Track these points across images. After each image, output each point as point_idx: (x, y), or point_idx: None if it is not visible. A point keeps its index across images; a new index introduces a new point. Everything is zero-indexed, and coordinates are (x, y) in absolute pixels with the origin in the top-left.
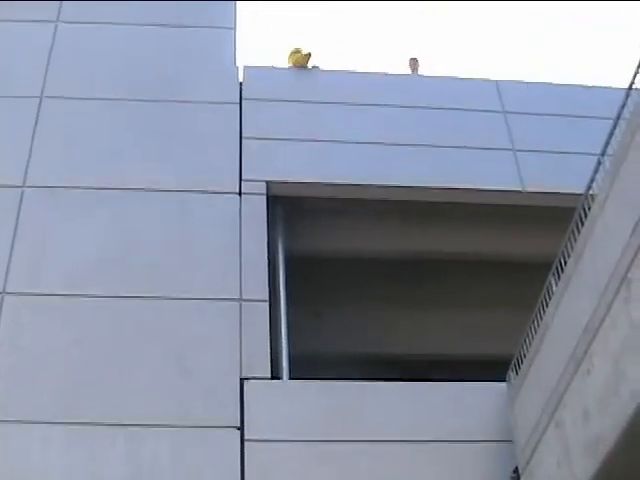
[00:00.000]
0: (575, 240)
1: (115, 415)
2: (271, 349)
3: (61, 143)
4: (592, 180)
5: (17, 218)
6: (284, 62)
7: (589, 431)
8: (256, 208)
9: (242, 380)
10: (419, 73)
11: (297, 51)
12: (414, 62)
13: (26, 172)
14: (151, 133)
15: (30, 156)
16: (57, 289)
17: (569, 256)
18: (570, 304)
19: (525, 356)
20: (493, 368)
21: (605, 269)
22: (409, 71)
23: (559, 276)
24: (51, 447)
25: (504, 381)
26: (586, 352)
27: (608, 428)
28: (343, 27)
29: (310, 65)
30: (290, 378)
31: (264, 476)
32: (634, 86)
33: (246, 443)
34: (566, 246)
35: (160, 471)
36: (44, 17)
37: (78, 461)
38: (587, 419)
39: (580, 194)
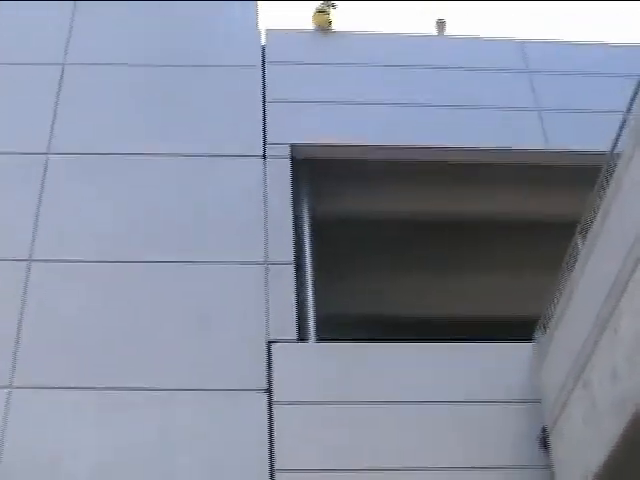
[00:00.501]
0: (601, 199)
1: (143, 379)
2: (297, 311)
3: (85, 110)
4: (617, 138)
5: (42, 185)
6: (307, 25)
7: (617, 390)
8: (281, 171)
9: (269, 343)
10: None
11: (321, 10)
12: (441, 24)
13: (50, 139)
14: (175, 98)
15: (53, 123)
16: (83, 255)
17: (595, 215)
18: (597, 263)
19: (552, 316)
20: (521, 330)
21: (632, 227)
22: (435, 32)
23: (585, 235)
24: (81, 413)
25: (531, 341)
26: (613, 311)
27: (636, 387)
28: None
29: (333, 25)
30: (317, 340)
31: (293, 437)
32: None
33: (274, 405)
34: (592, 205)
35: (189, 434)
36: None
37: (109, 425)
38: (615, 378)
39: (605, 152)
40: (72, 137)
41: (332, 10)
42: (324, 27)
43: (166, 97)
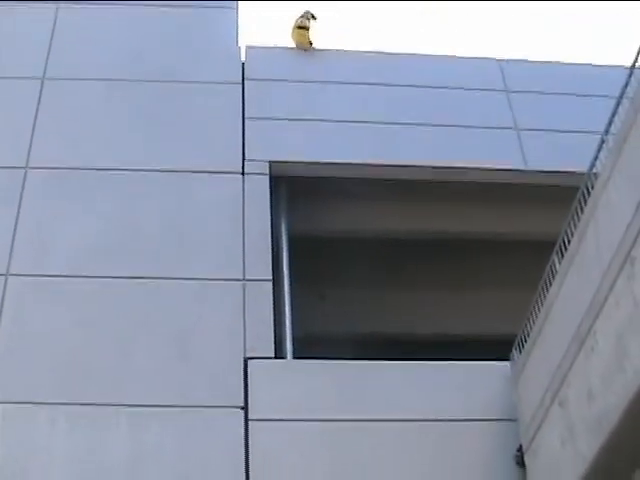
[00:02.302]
0: (578, 219)
1: (118, 396)
2: (275, 329)
3: (63, 125)
4: (595, 159)
5: (20, 200)
6: (286, 42)
7: (593, 409)
8: (259, 188)
9: (246, 360)
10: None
11: (301, 26)
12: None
13: (29, 153)
14: (153, 114)
15: (32, 138)
16: (60, 270)
17: (572, 235)
18: (574, 283)
19: (529, 335)
20: (497, 348)
21: (608, 247)
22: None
23: (562, 255)
24: (54, 429)
25: (508, 360)
26: (590, 330)
27: (612, 406)
28: (345, 7)
29: (313, 44)
30: (294, 358)
31: (268, 455)
32: (637, 64)
33: (250, 423)
34: (569, 225)
35: (164, 452)
36: None
37: (81, 443)
38: (591, 397)
39: (583, 173)
40: (51, 151)
41: (312, 22)
42: (304, 47)
43: (145, 113)
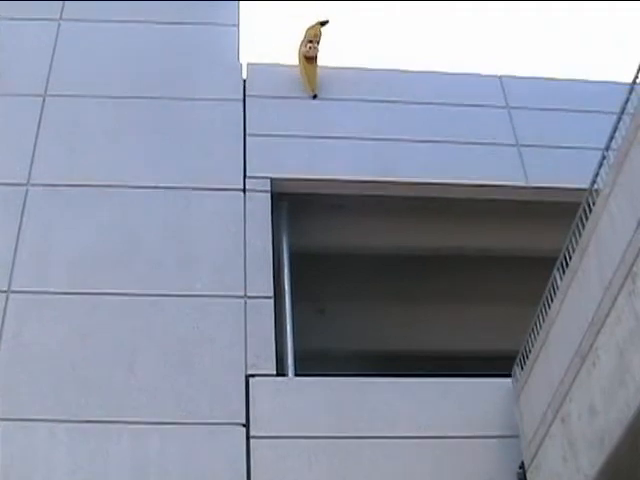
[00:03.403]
0: (580, 235)
1: (119, 413)
2: (276, 346)
3: (64, 141)
4: (596, 175)
5: (21, 216)
6: (288, 59)
7: (595, 425)
8: (260, 205)
9: (247, 377)
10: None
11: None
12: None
13: (30, 170)
14: (154, 130)
15: (34, 154)
16: (62, 287)
17: (574, 251)
18: (575, 298)
19: (530, 351)
20: (499, 364)
21: (610, 263)
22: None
23: (564, 271)
24: (55, 445)
25: (510, 376)
26: (591, 346)
27: (614, 422)
28: (347, 24)
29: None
30: (295, 375)
31: (270, 473)
32: (638, 80)
33: (252, 440)
34: (571, 241)
35: (165, 469)
36: (47, 15)
37: (82, 459)
38: (593, 413)
39: (584, 189)
40: (52, 168)
41: (321, 28)
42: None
43: (146, 129)
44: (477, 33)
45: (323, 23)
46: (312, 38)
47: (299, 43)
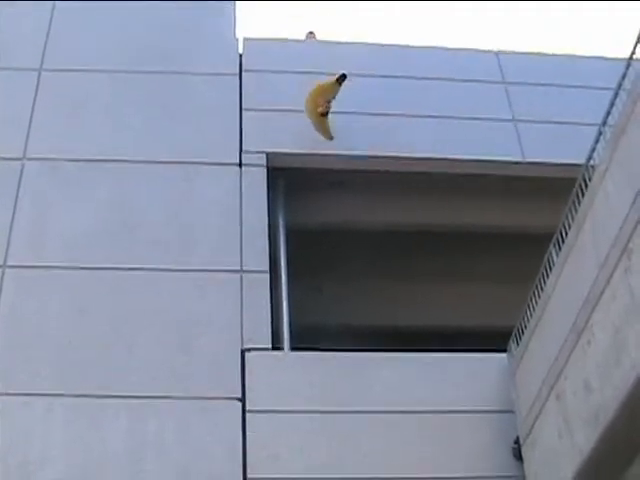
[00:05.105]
0: (576, 211)
1: (116, 388)
2: (272, 320)
3: (61, 115)
4: (593, 151)
5: (17, 191)
6: (284, 34)
7: (590, 402)
8: (256, 180)
9: (243, 351)
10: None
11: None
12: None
13: (26, 144)
14: (151, 105)
15: (30, 129)
16: (58, 261)
17: (570, 227)
18: (571, 275)
19: (526, 327)
20: (495, 340)
21: (606, 239)
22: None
23: (560, 247)
24: (53, 420)
25: (505, 352)
26: (587, 323)
27: (609, 399)
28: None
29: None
30: (291, 349)
31: (265, 446)
32: (635, 56)
33: (247, 414)
34: (567, 217)
35: (162, 443)
36: None
37: (79, 434)
38: (588, 390)
39: (581, 165)
40: (48, 143)
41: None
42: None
43: (142, 104)
44: (475, 9)
45: (340, 80)
46: (331, 98)
47: (311, 93)
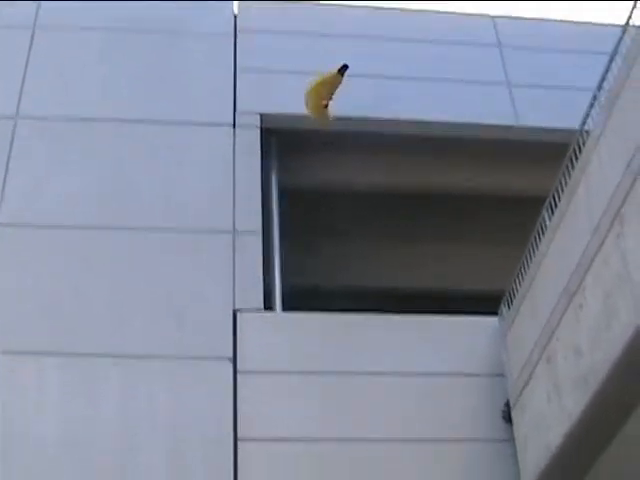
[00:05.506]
0: (569, 176)
1: (108, 346)
2: (264, 281)
3: (53, 74)
4: (587, 115)
5: (10, 149)
6: None
7: (580, 366)
8: (250, 140)
9: (235, 312)
10: None
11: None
12: None
13: (19, 103)
14: (145, 64)
15: (23, 87)
16: (50, 220)
17: (563, 192)
18: (563, 239)
19: (518, 291)
20: (488, 302)
21: (598, 205)
22: None
23: (552, 211)
24: (44, 379)
25: (496, 315)
26: (579, 287)
27: (599, 362)
28: None
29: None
30: (283, 310)
31: (256, 406)
32: (631, 21)
33: (238, 374)
34: (560, 182)
35: (152, 402)
36: None
37: (71, 393)
38: (578, 354)
39: (575, 130)
40: (41, 101)
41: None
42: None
43: (137, 64)
44: None
45: (342, 71)
46: (334, 90)
47: (313, 86)
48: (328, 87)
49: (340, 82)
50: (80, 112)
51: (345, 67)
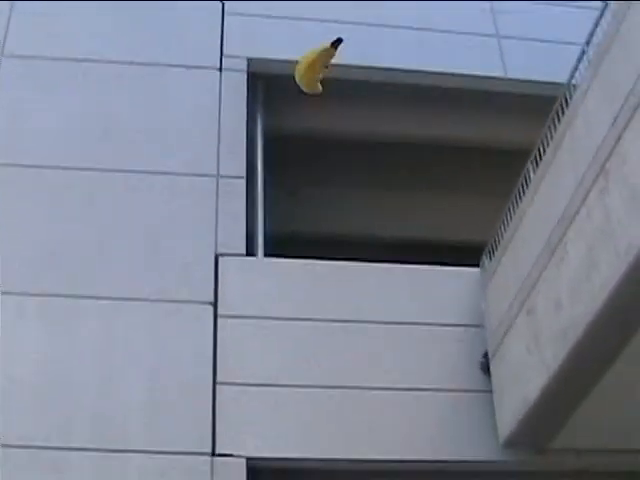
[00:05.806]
0: (555, 129)
1: (88, 289)
2: (247, 227)
3: (39, 13)
4: (575, 69)
5: None
6: None
7: (560, 319)
8: (236, 84)
9: (217, 256)
10: None
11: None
12: None
13: (4, 41)
14: (131, 6)
15: (8, 26)
16: (31, 161)
17: (548, 145)
18: (547, 192)
19: (500, 242)
20: (468, 254)
21: (583, 159)
22: None
23: (537, 164)
24: (23, 318)
25: (478, 267)
26: (560, 240)
27: (578, 316)
28: None
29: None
30: (265, 256)
31: (236, 352)
32: None
33: (219, 319)
34: (546, 135)
35: (132, 344)
36: None
37: (50, 333)
38: (558, 307)
39: (563, 83)
40: (25, 40)
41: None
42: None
43: (123, 5)
44: None
45: (336, 45)
46: (328, 63)
47: (307, 59)
48: (322, 61)
49: (334, 55)
50: (66, 53)
51: (339, 40)
